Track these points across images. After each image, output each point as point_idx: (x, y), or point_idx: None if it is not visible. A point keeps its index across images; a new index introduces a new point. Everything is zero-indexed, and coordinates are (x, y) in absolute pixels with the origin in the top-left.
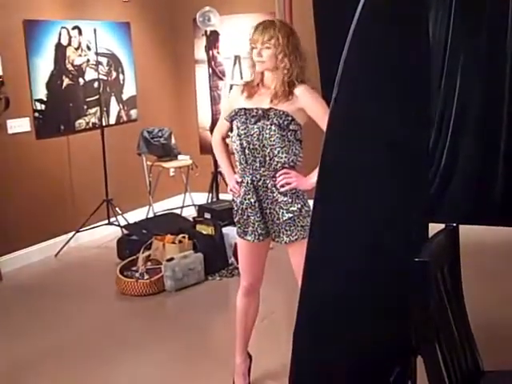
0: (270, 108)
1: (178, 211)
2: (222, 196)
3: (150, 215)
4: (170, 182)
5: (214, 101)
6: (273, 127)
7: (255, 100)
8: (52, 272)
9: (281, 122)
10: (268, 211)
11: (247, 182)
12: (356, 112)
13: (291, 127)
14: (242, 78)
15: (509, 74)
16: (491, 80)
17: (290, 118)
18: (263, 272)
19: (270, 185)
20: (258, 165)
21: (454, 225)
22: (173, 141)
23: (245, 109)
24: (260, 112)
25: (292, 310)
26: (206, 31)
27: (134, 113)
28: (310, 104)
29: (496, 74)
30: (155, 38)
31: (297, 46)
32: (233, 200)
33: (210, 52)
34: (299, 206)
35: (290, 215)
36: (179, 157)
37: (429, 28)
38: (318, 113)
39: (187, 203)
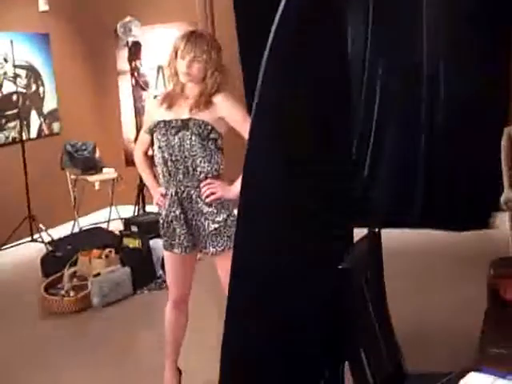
0: (190, 118)
1: (104, 225)
2: (148, 208)
3: (76, 230)
4: (95, 196)
5: (138, 112)
6: (193, 137)
7: (175, 111)
8: None
9: (201, 131)
10: (194, 223)
11: (171, 194)
12: (277, 120)
13: (211, 136)
14: (165, 88)
15: (426, 82)
16: (409, 85)
17: (209, 127)
18: (191, 284)
19: (194, 196)
20: (181, 176)
21: (377, 230)
22: (97, 154)
23: (164, 121)
24: (179, 123)
25: (221, 322)
26: (127, 42)
27: (56, 126)
28: (229, 112)
29: (413, 83)
30: (76, 50)
31: (221, 59)
32: (159, 213)
33: (133, 63)
34: (225, 216)
35: (216, 226)
36: (104, 170)
37: (347, 41)
38: (238, 119)
39: (113, 217)
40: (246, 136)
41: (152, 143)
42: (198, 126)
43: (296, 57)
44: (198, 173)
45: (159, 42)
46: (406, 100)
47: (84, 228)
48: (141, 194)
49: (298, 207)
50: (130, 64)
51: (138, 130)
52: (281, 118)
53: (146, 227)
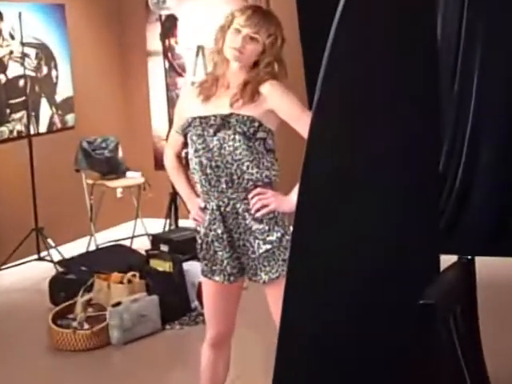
0: (231, 113)
1: (126, 242)
2: (182, 223)
3: (92, 248)
4: (116, 206)
5: (172, 103)
6: (236, 137)
7: (213, 104)
8: None
9: (246, 129)
10: (240, 243)
11: (212, 208)
12: (346, 112)
13: (259, 135)
14: (206, 73)
15: None
16: None
17: (256, 124)
18: (235, 319)
19: (240, 210)
20: (223, 186)
21: (470, 257)
22: (120, 153)
23: (200, 117)
24: (219, 119)
25: (270, 366)
26: (160, 16)
27: (70, 118)
28: (280, 102)
29: None
30: (97, 25)
31: (281, 51)
32: (196, 230)
33: (167, 41)
34: (279, 234)
35: (269, 247)
36: (128, 174)
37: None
38: (293, 113)
39: (138, 232)
40: (305, 134)
41: (186, 145)
42: (241, 123)
43: (369, 45)
44: (245, 181)
45: (200, 17)
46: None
47: (102, 245)
48: (173, 205)
49: (371, 226)
50: (164, 43)
51: (172, 125)
52: (351, 113)
53: (179, 246)
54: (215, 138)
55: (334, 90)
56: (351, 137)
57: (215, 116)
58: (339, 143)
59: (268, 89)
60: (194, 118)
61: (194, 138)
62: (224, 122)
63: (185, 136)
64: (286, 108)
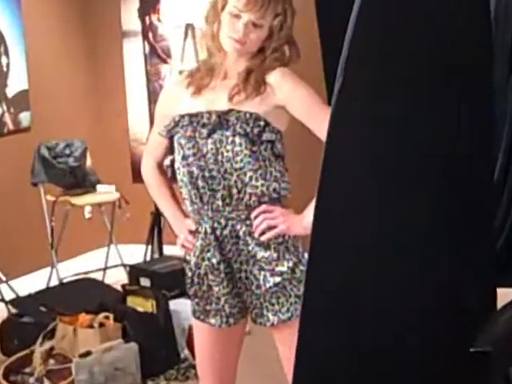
0: (230, 110)
1: (97, 275)
2: (167, 250)
3: (53, 283)
4: (84, 229)
5: (155, 96)
6: (237, 139)
7: (207, 98)
8: None
9: (249, 129)
10: (242, 276)
11: (205, 232)
12: (374, 106)
13: (265, 137)
14: (197, 59)
15: None
16: None
17: (262, 123)
18: (235, 373)
19: (241, 233)
20: (220, 203)
21: None
22: (88, 162)
23: (190, 115)
24: (214, 117)
25: None
26: None
27: (25, 118)
28: (293, 96)
29: None
30: (62, 3)
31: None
32: (185, 259)
33: (147, 19)
34: (291, 263)
35: (278, 280)
36: (99, 188)
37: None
38: (309, 109)
39: (112, 262)
40: (323, 135)
41: (171, 151)
42: (243, 122)
43: (403, 26)
44: (248, 196)
45: None
46: None
47: (66, 279)
48: (156, 228)
49: (407, 252)
50: (143, 21)
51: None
52: (378, 101)
53: (164, 280)
54: (210, 141)
55: (363, 73)
56: (385, 137)
57: (209, 113)
58: (369, 145)
59: (277, 78)
60: (182, 116)
61: (183, 141)
62: (221, 120)
63: (170, 139)
64: (299, 103)
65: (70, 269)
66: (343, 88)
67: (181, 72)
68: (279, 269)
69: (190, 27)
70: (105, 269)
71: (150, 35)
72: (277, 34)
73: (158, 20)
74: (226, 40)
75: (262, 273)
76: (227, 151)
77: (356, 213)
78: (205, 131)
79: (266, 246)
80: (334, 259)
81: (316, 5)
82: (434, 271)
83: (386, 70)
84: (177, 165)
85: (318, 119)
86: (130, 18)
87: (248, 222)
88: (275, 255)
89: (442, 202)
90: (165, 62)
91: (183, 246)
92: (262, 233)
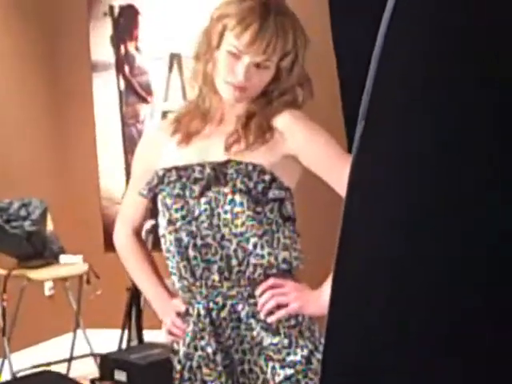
0: (228, 161)
1: (60, 368)
2: (148, 336)
3: (6, 377)
4: (45, 310)
5: (131, 144)
6: (237, 198)
7: (198, 147)
8: None
9: (251, 185)
10: (245, 368)
11: (198, 314)
12: (406, 152)
13: (272, 194)
14: (185, 98)
15: None
16: None
17: (267, 178)
18: None
19: (243, 314)
20: (216, 277)
21: None
22: (49, 225)
23: (178, 168)
24: (209, 171)
25: None
26: (111, 8)
27: None
28: (306, 144)
29: None
30: (15, 24)
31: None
32: (172, 349)
33: (122, 48)
34: (305, 352)
35: (290, 372)
36: (62, 258)
37: None
38: (326, 160)
39: (80, 351)
40: (342, 190)
41: (152, 213)
42: (245, 176)
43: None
44: (251, 268)
45: (173, 9)
46: None
47: (21, 373)
48: (134, 308)
49: (446, 325)
50: (117, 50)
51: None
52: (410, 145)
53: (144, 374)
54: (203, 201)
55: (390, 115)
56: (418, 190)
57: (202, 165)
58: (394, 205)
59: (287, 122)
60: (168, 170)
61: (169, 201)
62: (217, 173)
63: (152, 199)
64: (315, 152)
65: (26, 360)
66: (366, 133)
67: (165, 114)
68: (291, 358)
69: (175, 58)
70: (70, 359)
71: (126, 68)
72: (286, 76)
73: (136, 49)
74: (223, 85)
75: (270, 364)
76: (225, 213)
77: (379, 287)
78: (197, 188)
79: (274, 331)
80: (354, 342)
81: (333, 33)
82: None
83: (416, 112)
84: (161, 231)
85: (336, 171)
86: (101, 47)
87: (251, 301)
88: (286, 342)
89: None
90: (144, 100)
91: (170, 332)
92: (270, 313)
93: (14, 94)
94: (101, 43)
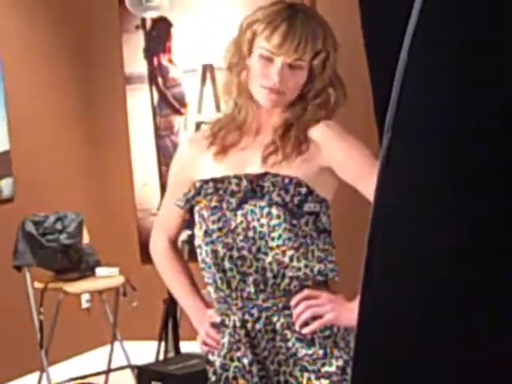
0: (265, 173)
1: (98, 380)
2: (185, 347)
3: None
4: (81, 322)
5: (166, 156)
6: (274, 211)
7: (235, 160)
8: None
9: (288, 198)
10: (281, 380)
11: (234, 326)
12: (435, 164)
13: (308, 207)
14: (218, 109)
15: None
16: None
17: (304, 191)
18: None
19: (279, 325)
20: (251, 289)
21: None
22: (85, 239)
23: (215, 180)
24: (245, 183)
25: None
26: (143, 20)
27: (6, 185)
28: (343, 156)
29: None
30: (46, 38)
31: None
32: (208, 360)
33: (155, 60)
34: (341, 362)
35: (325, 383)
36: (99, 271)
37: None
38: (362, 172)
39: (117, 363)
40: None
41: (189, 225)
42: (281, 189)
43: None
44: (287, 280)
45: (206, 21)
46: None
47: None
48: (171, 320)
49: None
50: (151, 63)
51: (165, 192)
52: (439, 156)
53: None
54: (239, 213)
55: (418, 126)
56: (450, 202)
57: (239, 178)
58: (423, 218)
59: (322, 134)
60: (205, 182)
61: (206, 213)
62: (253, 186)
63: (189, 210)
64: (351, 164)
65: (63, 373)
66: (393, 145)
67: (198, 125)
68: (327, 369)
69: (208, 69)
70: (108, 371)
71: (160, 80)
72: (319, 76)
73: (169, 61)
74: (258, 90)
75: (306, 375)
76: (261, 226)
77: (409, 297)
78: (234, 201)
79: (309, 341)
80: (382, 353)
81: (364, 34)
82: None
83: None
84: (197, 242)
85: (371, 183)
86: (134, 60)
87: (287, 312)
88: (321, 352)
89: None
90: (178, 112)
91: (205, 343)
92: (305, 324)
93: (49, 107)
94: (134, 56)
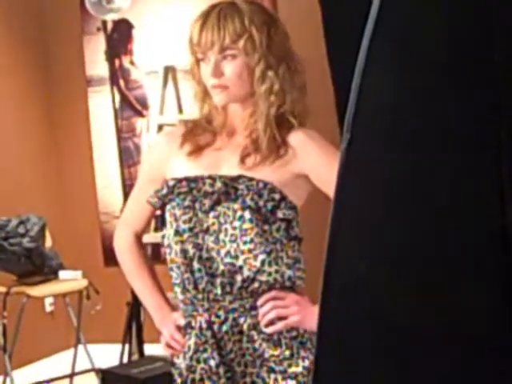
0: (240, 176)
1: (62, 383)
2: (149, 349)
3: None
4: (45, 326)
5: (128, 158)
6: (246, 214)
7: (210, 160)
8: None
9: (261, 203)
10: (247, 381)
11: (200, 328)
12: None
13: (280, 214)
14: (180, 111)
15: None
16: None
17: (277, 196)
18: None
19: (245, 326)
20: (218, 291)
21: None
22: (48, 242)
23: (189, 179)
24: (220, 184)
25: None
26: (104, 23)
27: None
28: (318, 164)
29: None
30: (8, 39)
31: (286, 47)
32: (172, 362)
33: (117, 62)
34: (307, 363)
35: (292, 383)
36: (62, 274)
37: None
38: (334, 178)
39: (81, 367)
40: None
41: (160, 225)
42: (256, 194)
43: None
44: (257, 284)
45: (167, 22)
46: None
47: None
48: (134, 323)
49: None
50: (112, 64)
51: (129, 193)
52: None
53: None
54: (212, 215)
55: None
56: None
57: (213, 179)
58: (386, 223)
59: (300, 141)
60: (179, 181)
61: (178, 212)
62: (228, 189)
63: (161, 208)
64: (326, 172)
65: (27, 377)
66: (351, 147)
67: (160, 127)
68: (293, 370)
69: (170, 70)
70: (71, 375)
71: (121, 82)
72: (254, 54)
73: (131, 63)
74: (211, 91)
75: (272, 376)
76: (233, 228)
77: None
78: (207, 202)
79: (275, 342)
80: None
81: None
82: None
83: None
84: (167, 241)
85: None
86: (96, 62)
87: (253, 313)
88: (288, 353)
89: None
90: (140, 114)
91: (169, 345)
92: (270, 324)
93: (9, 110)
94: (95, 58)
